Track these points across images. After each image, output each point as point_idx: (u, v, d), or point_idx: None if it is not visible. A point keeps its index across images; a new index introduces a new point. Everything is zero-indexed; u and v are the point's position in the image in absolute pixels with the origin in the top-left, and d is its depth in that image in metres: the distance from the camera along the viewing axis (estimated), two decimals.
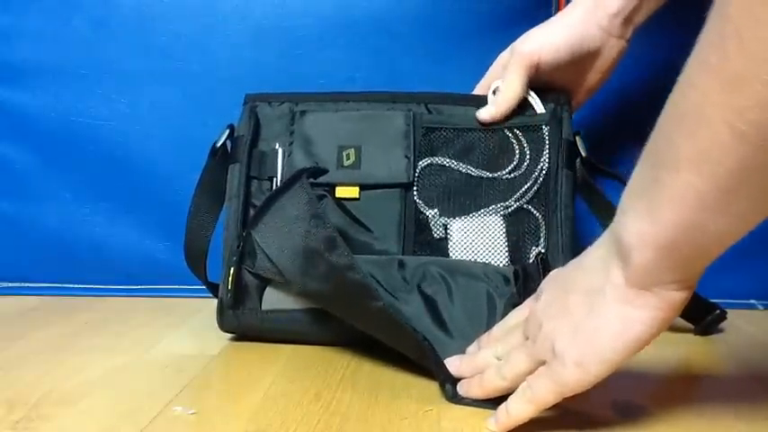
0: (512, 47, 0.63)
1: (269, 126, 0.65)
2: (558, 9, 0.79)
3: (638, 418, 0.45)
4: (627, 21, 0.61)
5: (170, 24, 0.80)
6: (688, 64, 0.35)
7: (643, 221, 0.38)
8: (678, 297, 0.39)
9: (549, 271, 0.49)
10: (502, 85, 0.61)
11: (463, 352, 0.51)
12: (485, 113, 0.62)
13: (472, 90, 0.67)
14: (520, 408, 0.43)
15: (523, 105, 0.62)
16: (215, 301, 0.62)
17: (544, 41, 0.61)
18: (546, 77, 0.62)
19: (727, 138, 0.33)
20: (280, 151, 0.63)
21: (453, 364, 0.50)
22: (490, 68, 0.66)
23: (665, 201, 0.36)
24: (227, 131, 0.66)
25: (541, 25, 0.62)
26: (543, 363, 0.43)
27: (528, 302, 0.49)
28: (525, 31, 0.63)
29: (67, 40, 0.80)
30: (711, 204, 0.35)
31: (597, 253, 0.43)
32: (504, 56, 0.64)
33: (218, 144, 0.65)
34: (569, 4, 0.62)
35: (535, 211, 0.60)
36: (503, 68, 0.63)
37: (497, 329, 0.51)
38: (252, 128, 0.64)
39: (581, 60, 0.61)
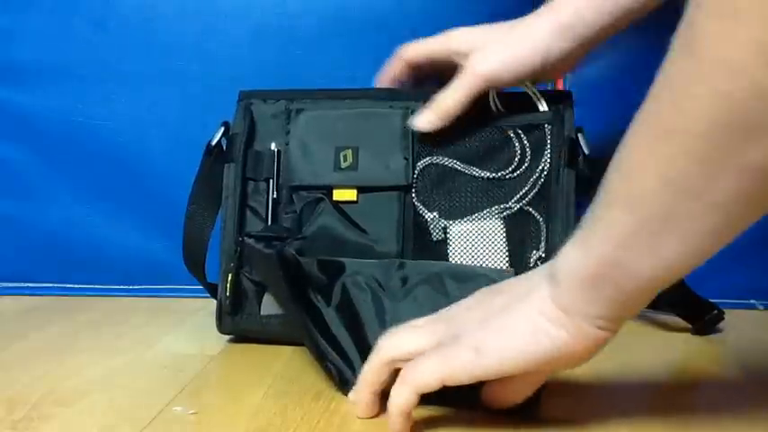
0: (468, 60, 0.57)
1: (264, 124, 0.64)
2: None
3: (636, 418, 0.45)
4: (586, 40, 0.57)
5: (170, 24, 0.80)
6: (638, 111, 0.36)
7: (577, 250, 0.40)
8: (595, 334, 0.39)
9: None
10: (448, 96, 0.58)
11: None
12: (424, 123, 0.59)
13: None
14: (394, 392, 0.41)
15: (525, 103, 0.60)
16: (215, 302, 0.62)
17: (505, 62, 0.56)
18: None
19: (654, 183, 0.35)
20: (276, 152, 0.63)
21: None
22: (391, 61, 0.63)
23: (595, 233, 0.38)
24: (222, 129, 0.65)
25: (503, 39, 0.57)
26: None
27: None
28: None
29: (67, 40, 0.80)
30: (637, 244, 0.36)
31: (537, 271, 0.43)
32: (411, 50, 0.62)
33: (213, 142, 0.64)
34: (533, 14, 0.57)
35: (536, 213, 0.59)
36: (400, 61, 0.62)
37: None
38: (247, 126, 0.63)
39: (542, 72, 0.58)
